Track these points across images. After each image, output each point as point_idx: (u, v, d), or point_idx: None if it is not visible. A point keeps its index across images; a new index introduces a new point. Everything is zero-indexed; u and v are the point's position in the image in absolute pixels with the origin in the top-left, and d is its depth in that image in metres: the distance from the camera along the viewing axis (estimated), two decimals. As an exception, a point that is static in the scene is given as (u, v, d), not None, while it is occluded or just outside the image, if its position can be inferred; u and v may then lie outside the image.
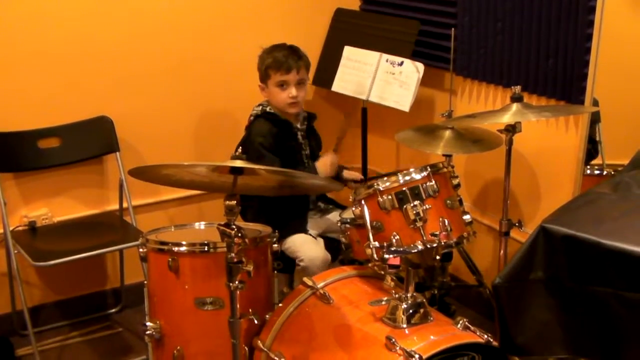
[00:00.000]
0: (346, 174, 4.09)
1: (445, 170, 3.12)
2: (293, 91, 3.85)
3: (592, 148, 3.78)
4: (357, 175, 4.09)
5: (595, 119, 3.74)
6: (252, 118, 3.95)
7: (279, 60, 3.85)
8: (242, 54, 3.94)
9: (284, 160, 3.78)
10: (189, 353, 3.22)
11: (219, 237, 2.80)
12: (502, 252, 3.77)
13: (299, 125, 3.97)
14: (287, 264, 3.81)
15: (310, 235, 3.88)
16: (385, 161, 4.64)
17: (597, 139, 3.81)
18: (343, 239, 3.31)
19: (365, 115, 4.62)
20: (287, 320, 3.17)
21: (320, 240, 3.90)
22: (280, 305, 3.26)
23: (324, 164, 3.95)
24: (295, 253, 3.79)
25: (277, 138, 3.85)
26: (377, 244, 3.00)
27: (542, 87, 3.85)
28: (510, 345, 2.56)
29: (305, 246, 3.80)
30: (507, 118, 3.41)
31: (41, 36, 4.12)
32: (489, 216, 4.35)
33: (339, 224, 3.33)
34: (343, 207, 4.01)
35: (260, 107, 3.93)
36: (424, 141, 3.88)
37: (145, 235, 3.36)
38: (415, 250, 2.98)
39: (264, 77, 3.90)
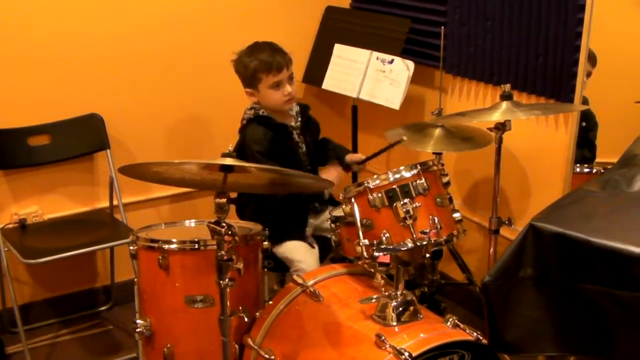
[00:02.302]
0: (348, 157, 3.99)
1: (435, 168, 3.13)
2: (288, 89, 3.76)
3: (590, 152, 3.80)
4: (359, 157, 3.99)
5: (591, 124, 3.76)
6: (244, 122, 3.85)
7: (267, 61, 3.74)
8: (232, 51, 3.94)
9: (283, 162, 3.68)
10: (179, 351, 3.22)
11: (209, 234, 2.81)
12: (491, 249, 3.79)
13: (293, 124, 3.89)
14: (279, 263, 3.80)
15: (309, 243, 3.85)
16: (376, 159, 4.63)
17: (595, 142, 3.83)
18: (333, 237, 3.31)
19: (355, 113, 4.63)
20: (277, 318, 3.17)
21: (316, 250, 3.86)
22: (270, 302, 3.26)
23: (329, 176, 3.83)
24: (289, 262, 3.76)
25: (273, 142, 3.76)
26: (367, 241, 3.00)
27: (531, 85, 3.86)
28: (500, 342, 2.56)
29: (300, 256, 3.75)
30: (496, 116, 3.42)
31: (31, 34, 4.11)
32: (479, 214, 4.36)
33: (329, 222, 3.33)
34: (339, 204, 3.98)
35: (253, 110, 3.82)
36: (414, 139, 3.89)
37: (135, 232, 3.36)
38: (405, 248, 2.98)
39: (253, 82, 3.77)
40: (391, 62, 4.29)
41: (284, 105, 3.80)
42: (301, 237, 3.83)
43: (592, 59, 3.59)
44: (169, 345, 3.21)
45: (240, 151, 3.72)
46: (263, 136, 3.76)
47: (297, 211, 3.86)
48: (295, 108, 3.94)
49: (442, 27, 4.17)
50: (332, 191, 3.98)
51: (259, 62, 3.74)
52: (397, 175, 3.03)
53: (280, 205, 3.70)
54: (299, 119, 3.93)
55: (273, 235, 3.44)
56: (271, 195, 3.63)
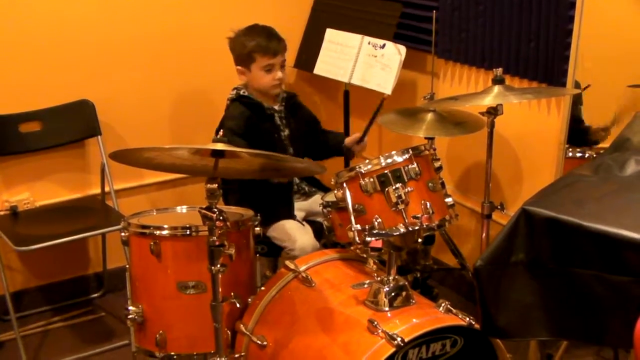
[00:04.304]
0: (346, 142, 4.08)
1: (427, 152, 3.12)
2: (279, 74, 3.85)
3: (582, 132, 3.79)
4: (356, 136, 4.05)
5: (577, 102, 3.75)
6: (228, 102, 3.94)
7: (264, 44, 3.83)
8: (223, 36, 3.93)
9: (260, 142, 3.72)
10: (171, 337, 3.21)
11: (200, 220, 2.80)
12: (484, 234, 3.78)
13: (276, 107, 3.95)
14: (272, 248, 3.80)
15: (297, 221, 3.87)
16: (368, 144, 4.62)
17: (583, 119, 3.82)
18: (325, 222, 3.30)
19: (347, 98, 4.62)
20: (270, 304, 3.17)
21: (308, 227, 3.88)
22: (262, 288, 3.26)
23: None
24: (284, 242, 3.77)
25: (249, 121, 3.83)
26: (359, 227, 2.99)
27: (523, 70, 3.85)
28: (492, 327, 2.56)
29: (295, 234, 3.77)
30: (488, 100, 3.41)
31: (21, 20, 4.10)
32: (471, 199, 4.36)
33: (321, 208, 3.33)
34: (327, 190, 4.00)
35: (235, 90, 3.92)
36: (406, 124, 3.88)
37: (127, 219, 3.34)
38: (397, 233, 2.97)
39: (247, 61, 3.85)
40: (383, 46, 4.28)
41: (271, 89, 3.88)
42: (289, 216, 3.85)
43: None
44: (161, 331, 3.20)
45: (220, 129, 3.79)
46: (239, 114, 3.85)
47: (281, 192, 3.87)
48: (283, 94, 3.98)
49: (434, 11, 4.16)
50: (322, 176, 3.99)
51: (256, 43, 3.84)
52: (389, 160, 3.02)
53: (264, 185, 3.70)
54: (283, 104, 3.98)
55: (261, 218, 3.44)
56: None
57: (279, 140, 3.93)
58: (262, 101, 3.90)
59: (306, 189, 4.05)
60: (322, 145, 4.13)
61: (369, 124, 3.90)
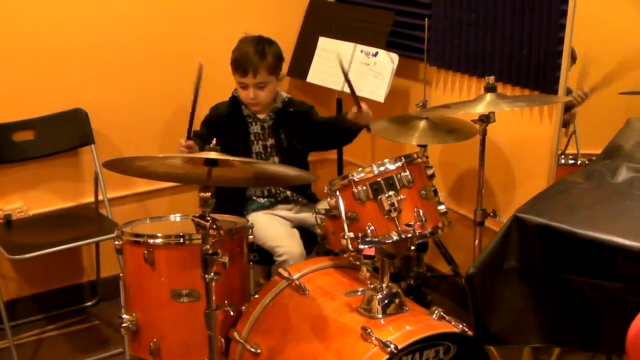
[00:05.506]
0: (349, 117, 3.91)
1: (419, 160, 3.13)
2: (250, 94, 3.81)
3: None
4: (353, 110, 3.81)
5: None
6: None
7: (239, 60, 3.80)
8: (217, 45, 3.94)
9: (228, 145, 3.51)
10: (165, 345, 3.22)
11: (194, 229, 2.80)
12: (477, 241, 3.79)
13: (260, 116, 3.93)
14: (264, 256, 3.80)
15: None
16: (361, 152, 4.62)
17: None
18: (318, 230, 3.30)
19: (340, 106, 4.63)
20: (263, 312, 3.17)
21: (296, 231, 3.88)
22: (256, 296, 3.27)
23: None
24: (273, 248, 3.75)
25: (220, 119, 3.93)
26: (352, 234, 3.00)
27: (515, 77, 3.86)
28: (485, 334, 2.57)
29: (282, 239, 3.76)
30: (480, 108, 3.42)
31: (14, 29, 4.10)
32: (464, 206, 4.36)
33: (314, 216, 3.33)
34: (317, 200, 3.97)
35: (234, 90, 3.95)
36: (398, 131, 3.89)
37: (120, 227, 3.35)
38: (390, 241, 2.98)
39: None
40: (375, 54, 4.29)
41: (249, 105, 3.89)
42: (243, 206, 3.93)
43: (572, 56, 3.59)
44: (155, 339, 3.21)
45: None
46: (214, 110, 3.99)
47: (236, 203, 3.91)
48: (278, 105, 3.95)
49: (426, 19, 4.17)
50: (316, 187, 3.98)
51: (235, 56, 3.84)
52: (382, 168, 3.03)
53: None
54: (273, 115, 3.94)
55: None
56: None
57: (256, 148, 3.95)
58: (254, 109, 3.91)
59: (303, 201, 4.00)
60: (331, 137, 4.07)
61: (352, 92, 3.78)
